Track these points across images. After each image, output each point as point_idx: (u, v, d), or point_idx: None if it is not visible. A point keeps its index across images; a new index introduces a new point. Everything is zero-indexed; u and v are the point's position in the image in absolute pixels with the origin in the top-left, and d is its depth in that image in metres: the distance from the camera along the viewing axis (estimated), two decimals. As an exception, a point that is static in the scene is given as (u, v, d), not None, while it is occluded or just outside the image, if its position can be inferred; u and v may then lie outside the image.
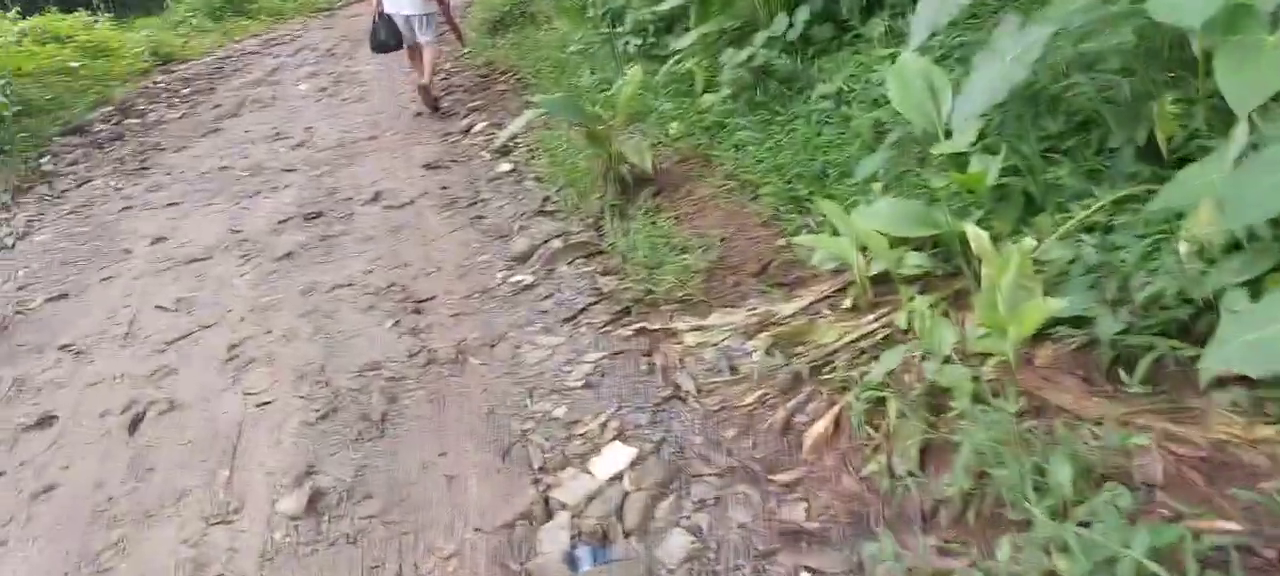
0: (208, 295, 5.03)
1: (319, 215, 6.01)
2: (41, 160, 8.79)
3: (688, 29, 5.75)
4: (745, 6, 4.96)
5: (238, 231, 6.01)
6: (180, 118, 9.78)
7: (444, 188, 6.09)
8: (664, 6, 5.48)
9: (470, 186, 6.02)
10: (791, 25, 4.65)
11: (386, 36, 7.96)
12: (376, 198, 6.14)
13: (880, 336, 2.90)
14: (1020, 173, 2.96)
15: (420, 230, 5.42)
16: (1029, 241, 2.51)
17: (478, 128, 7.25)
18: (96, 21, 14.52)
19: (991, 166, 2.91)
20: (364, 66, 10.84)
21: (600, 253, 4.45)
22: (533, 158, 6.22)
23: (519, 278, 4.40)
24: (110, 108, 10.57)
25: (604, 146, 4.81)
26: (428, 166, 6.62)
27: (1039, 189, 2.90)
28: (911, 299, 2.85)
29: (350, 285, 4.76)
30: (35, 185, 8.08)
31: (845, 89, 4.17)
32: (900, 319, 2.89)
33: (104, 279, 5.60)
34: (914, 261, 2.92)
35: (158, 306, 5.00)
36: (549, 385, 3.39)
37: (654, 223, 4.30)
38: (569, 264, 4.41)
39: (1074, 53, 3.07)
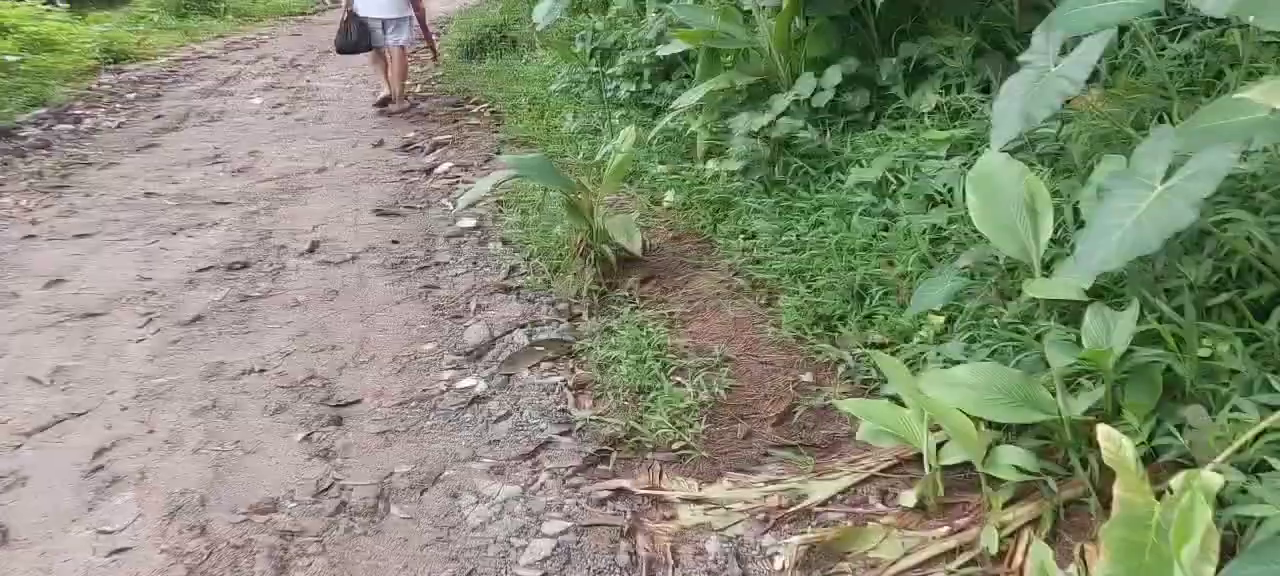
0: (92, 367, 4.11)
1: (244, 266, 5.11)
2: (-46, 166, 7.81)
3: (689, 79, 4.94)
4: (761, 62, 4.13)
5: (147, 279, 5.09)
6: (117, 127, 8.82)
7: (394, 242, 5.21)
8: (666, 51, 4.63)
9: (425, 243, 5.15)
10: (820, 88, 3.82)
11: (357, 37, 7.95)
12: (314, 248, 5.24)
13: (960, 560, 2.06)
14: (1158, 339, 2.13)
15: (359, 297, 4.53)
16: (1211, 476, 1.68)
17: (442, 168, 6.37)
18: (49, 11, 13.53)
19: (1119, 327, 2.08)
20: (326, 82, 9.94)
21: (573, 355, 3.58)
22: (501, 212, 5.35)
23: (469, 383, 3.52)
24: (44, 110, 9.58)
25: (585, 219, 3.96)
26: (379, 212, 5.74)
27: (1190, 368, 2.07)
28: (1003, 507, 2.01)
29: (262, 371, 3.86)
30: (-61, 195, 7.10)
31: (889, 178, 3.34)
32: (987, 538, 2.04)
33: (-24, 331, 4.66)
34: (1012, 460, 2.08)
35: (29, 377, 4.06)
36: (492, 568, 2.51)
37: (641, 327, 3.44)
38: (533, 368, 3.53)
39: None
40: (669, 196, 4.37)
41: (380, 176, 6.53)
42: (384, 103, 8.18)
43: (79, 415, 3.70)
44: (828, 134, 3.81)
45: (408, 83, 8.59)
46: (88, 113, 9.50)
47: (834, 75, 3.84)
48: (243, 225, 5.80)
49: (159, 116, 9.15)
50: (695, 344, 3.27)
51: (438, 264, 4.83)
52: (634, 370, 3.13)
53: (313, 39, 12.81)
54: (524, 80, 7.53)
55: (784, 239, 3.51)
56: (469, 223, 5.29)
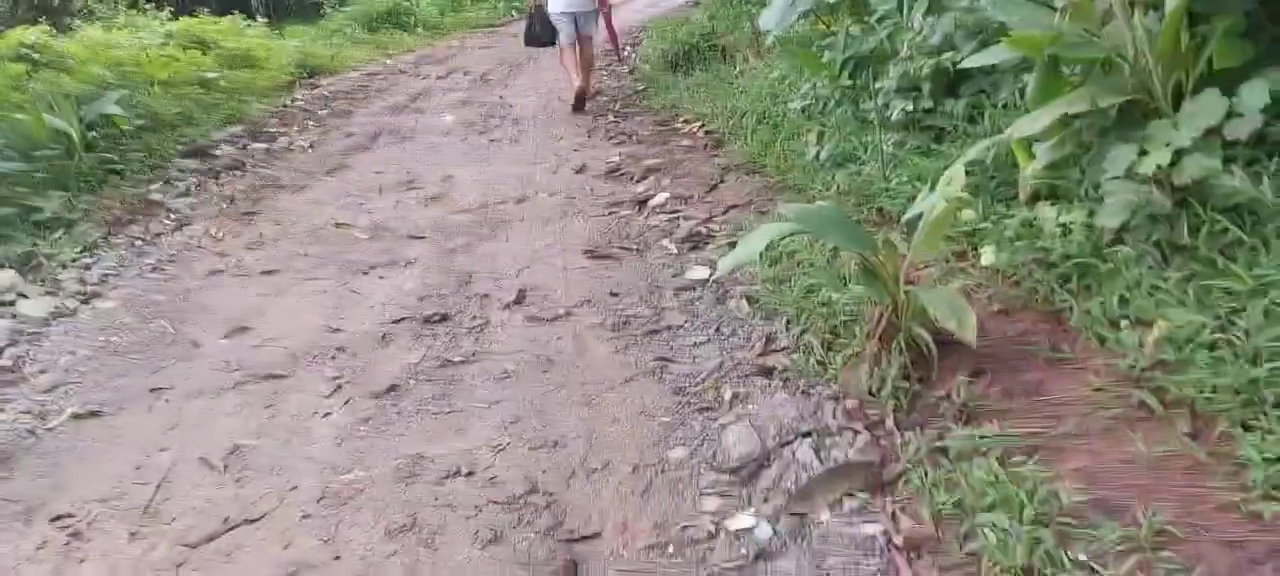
0: (273, 448, 3.43)
1: (443, 318, 4.37)
2: (152, 187, 7.56)
3: (985, 96, 3.88)
4: (1128, 76, 3.02)
5: (336, 330, 4.43)
6: (309, 147, 8.43)
7: (613, 294, 4.35)
8: (978, 60, 3.57)
9: (650, 297, 4.27)
10: (1234, 113, 2.67)
11: (541, 31, 8.34)
12: (521, 299, 4.45)
13: None
14: None
15: (579, 369, 3.69)
16: None
17: (657, 200, 5.50)
18: (248, 27, 13.65)
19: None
20: (520, 98, 9.31)
21: (886, 488, 2.58)
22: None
23: (746, 523, 2.57)
24: (240, 127, 9.36)
25: (888, 289, 2.95)
26: (591, 254, 4.91)
27: None
28: None
29: (470, 473, 3.06)
30: (136, 218, 6.79)
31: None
32: None
33: (154, 389, 4.08)
34: None
35: (201, 459, 3.41)
36: None
37: (998, 458, 2.40)
38: (833, 506, 2.55)
39: None
40: (987, 254, 3.31)
41: (586, 208, 5.72)
42: (580, 101, 8.31)
43: (253, 521, 2.99)
44: (1264, 181, 2.66)
45: (593, 76, 8.75)
46: (282, 131, 9.21)
47: (1256, 94, 2.69)
48: (439, 265, 5.10)
49: (350, 135, 8.72)
50: (1095, 496, 2.21)
51: (669, 327, 3.93)
52: (1007, 540, 2.10)
53: (503, 52, 12.31)
54: (743, 95, 6.58)
55: (1208, 336, 2.39)
56: (700, 273, 4.37)
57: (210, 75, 10.74)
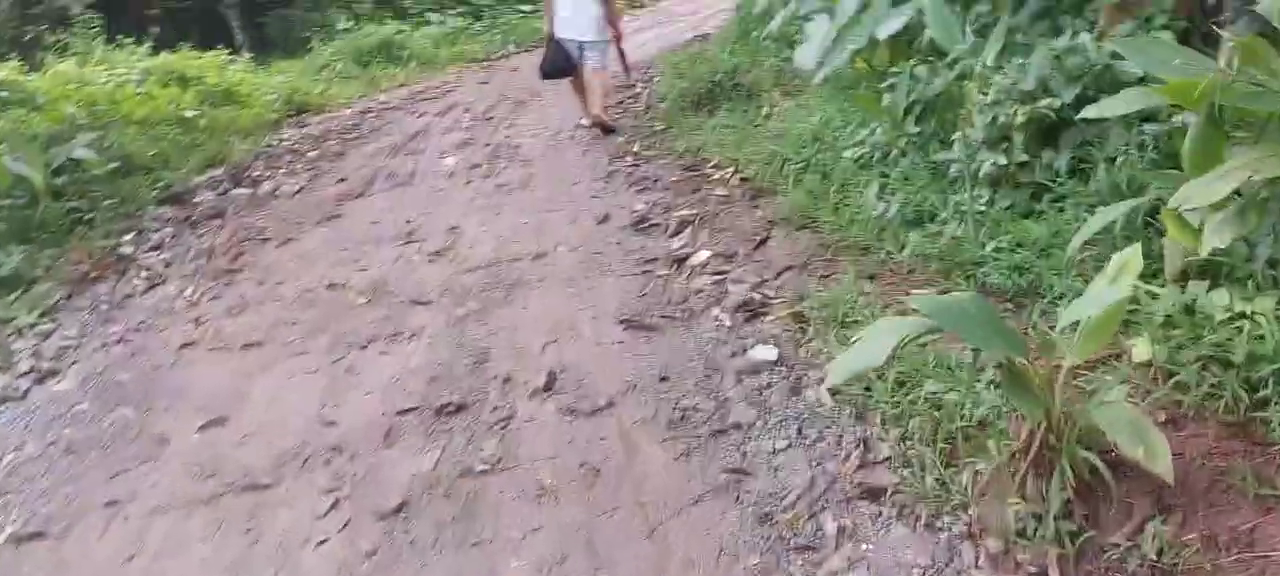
0: (251, 592, 2.74)
1: (459, 409, 3.71)
2: (123, 239, 6.89)
3: (1094, 149, 3.26)
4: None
5: (331, 423, 3.77)
6: (297, 193, 7.76)
7: (662, 378, 3.69)
8: (1095, 109, 2.94)
9: (707, 382, 3.61)
10: None
11: (559, 60, 7.99)
12: (551, 384, 3.78)
13: None
14: None
15: (633, 483, 3.02)
16: None
17: (698, 259, 4.84)
18: (232, 62, 13.01)
19: None
20: (527, 138, 8.67)
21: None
22: (805, 331, 3.77)
23: None
24: (222, 170, 8.70)
25: (1041, 402, 2.30)
26: (628, 324, 4.25)
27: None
28: None
29: (510, 643, 2.37)
30: (104, 275, 6.12)
31: None
32: None
33: (110, 503, 3.40)
34: None
35: (163, 603, 2.73)
36: None
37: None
38: None
39: None
40: (1141, 347, 2.66)
41: (615, 266, 5.06)
42: (602, 127, 8.10)
43: None
44: None
45: (608, 103, 8.48)
46: (266, 174, 8.54)
47: None
48: (450, 337, 4.43)
49: (342, 179, 8.06)
50: None
51: (737, 425, 3.27)
52: None
53: (503, 87, 11.68)
54: (781, 139, 5.95)
55: None
56: (765, 353, 3.71)
57: (190, 114, 10.11)
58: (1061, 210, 3.43)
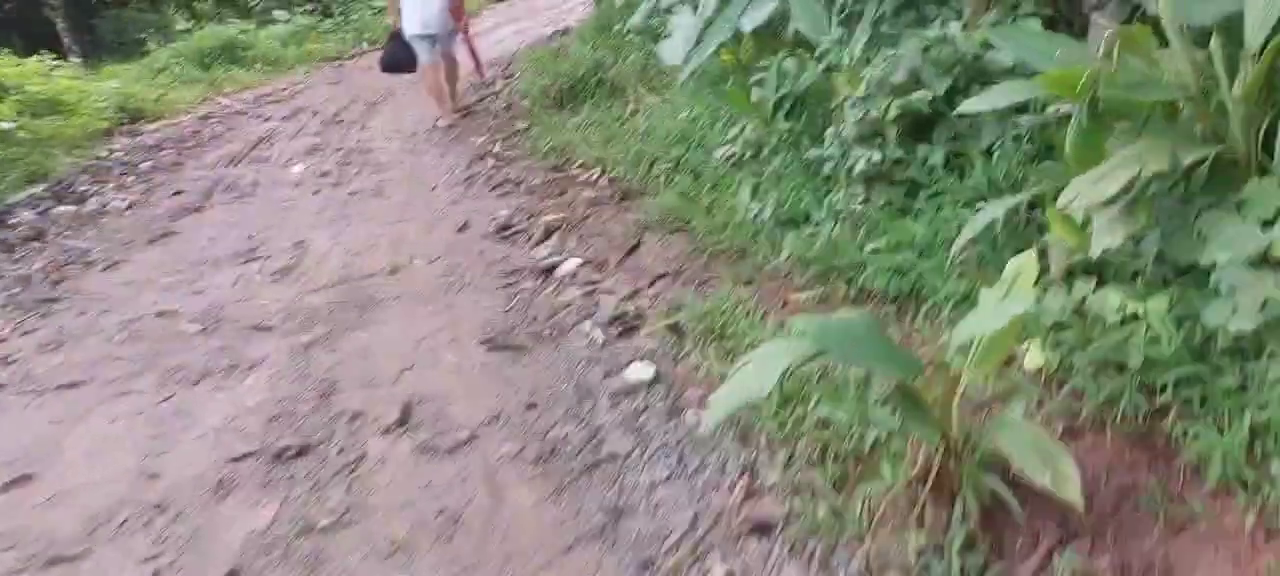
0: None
1: (302, 452, 3.33)
2: (-77, 269, 6.14)
3: (964, 143, 3.14)
4: (1200, 125, 2.31)
5: (155, 476, 3.33)
6: (127, 209, 7.11)
7: (529, 405, 3.39)
8: (972, 103, 2.80)
9: (580, 409, 3.32)
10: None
11: (403, 55, 7.97)
12: (406, 418, 3.44)
13: None
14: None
15: (499, 532, 2.72)
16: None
17: (566, 268, 4.56)
18: (58, 68, 11.96)
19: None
20: (380, 141, 8.20)
21: None
22: (684, 343, 3.53)
23: None
24: (43, 187, 7.92)
25: (938, 425, 2.12)
26: (492, 345, 3.93)
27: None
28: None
29: None
30: (-101, 313, 5.40)
31: None
32: None
33: (-121, 592, 2.89)
34: None
35: None
36: None
37: None
38: None
39: None
40: (1031, 354, 2.52)
41: (477, 280, 4.72)
42: (453, 110, 8.32)
43: None
44: None
45: (461, 88, 8.77)
46: (94, 189, 7.83)
47: None
48: (294, 368, 4.02)
49: (179, 193, 7.44)
50: None
51: (613, 457, 3.00)
52: None
53: (355, 87, 11.11)
54: (649, 138, 5.72)
55: None
56: (641, 372, 3.45)
57: (6, 126, 9.18)
58: (939, 208, 3.28)
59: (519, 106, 8.15)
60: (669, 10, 7.75)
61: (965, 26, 3.79)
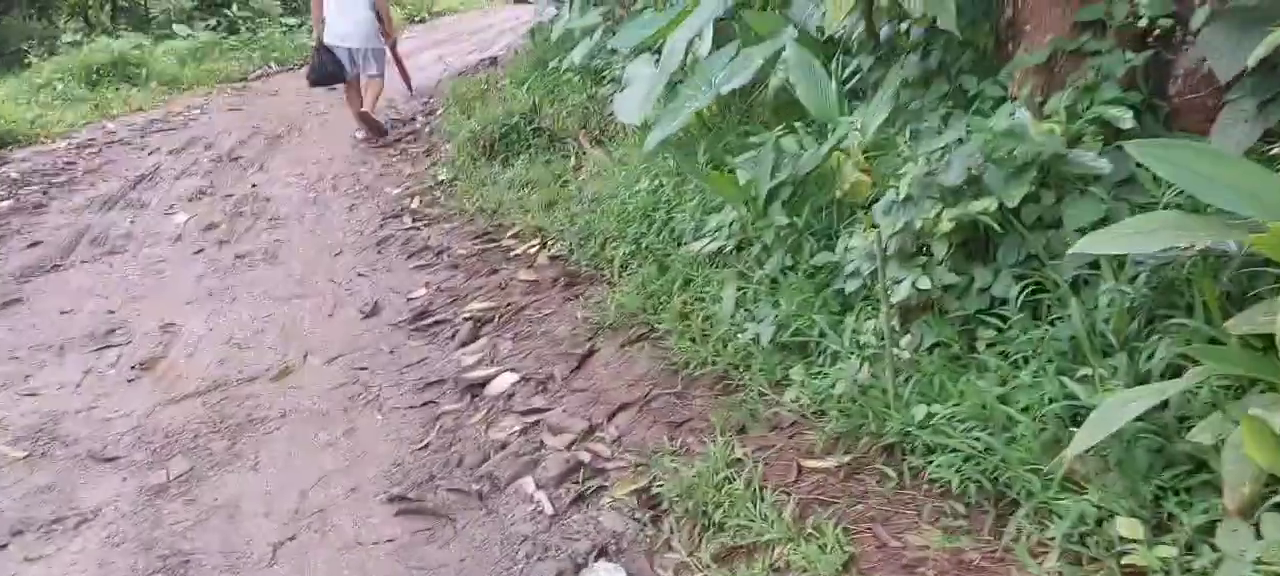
0: None
1: (126, 695, 2.32)
2: None
3: (1040, 268, 2.33)
4: None
5: None
6: (-36, 267, 5.92)
7: (455, 619, 2.45)
8: (1093, 243, 1.97)
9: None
10: None
11: (332, 67, 7.73)
12: (282, 635, 2.46)
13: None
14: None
15: None
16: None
17: (499, 385, 3.63)
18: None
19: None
20: (279, 186, 7.14)
21: None
22: (662, 529, 2.63)
23: None
24: None
25: None
26: (403, 504, 2.98)
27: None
28: None
29: None
30: None
31: None
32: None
33: None
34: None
35: None
36: None
37: None
38: None
39: None
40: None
41: (385, 393, 3.76)
42: (369, 123, 7.96)
43: None
44: None
45: (381, 106, 8.35)
46: (-69, 237, 6.58)
47: None
48: (134, 530, 3.02)
49: (35, 244, 6.27)
50: None
51: None
52: None
53: (259, 115, 9.99)
54: (599, 208, 4.82)
55: None
56: (608, 571, 2.53)
57: None
58: (1017, 362, 2.45)
59: (442, 152, 7.18)
60: (613, 52, 6.90)
61: (1011, 104, 3.00)
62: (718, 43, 4.76)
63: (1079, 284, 2.50)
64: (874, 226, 2.78)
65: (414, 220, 5.90)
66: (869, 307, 2.93)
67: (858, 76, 3.59)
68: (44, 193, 7.66)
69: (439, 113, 8.55)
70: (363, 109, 7.85)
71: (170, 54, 13.64)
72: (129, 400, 3.95)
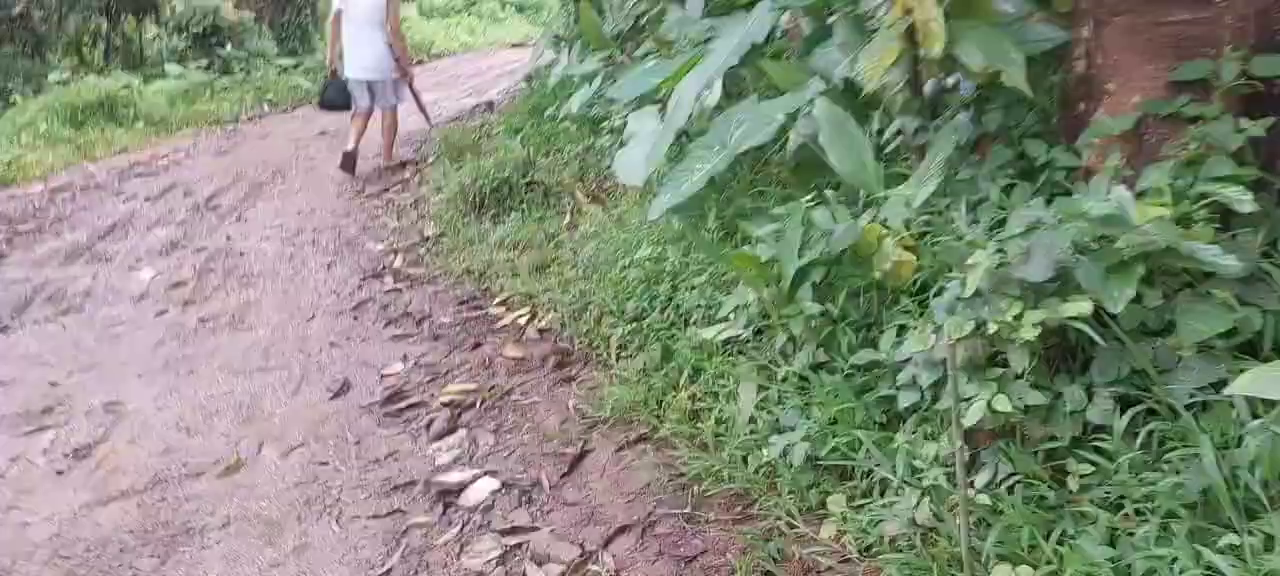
0: None
1: None
2: None
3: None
4: None
5: None
6: (-94, 326, 5.40)
7: None
8: (1249, 383, 1.44)
9: None
10: None
11: (334, 95, 8.02)
12: None
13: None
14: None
15: None
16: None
17: (476, 493, 3.10)
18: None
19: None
20: (257, 238, 6.64)
21: None
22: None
23: None
24: None
25: None
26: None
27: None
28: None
29: None
30: None
31: None
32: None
33: None
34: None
35: None
36: None
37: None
38: None
39: None
40: None
41: (346, 496, 3.23)
42: (349, 162, 7.88)
43: None
44: None
45: (394, 145, 8.32)
46: (-124, 292, 6.06)
47: None
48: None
49: (-14, 302, 5.76)
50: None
51: None
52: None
53: (244, 160, 9.52)
54: (592, 275, 4.31)
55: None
56: None
57: None
58: (1117, 506, 1.92)
59: (430, 205, 6.68)
60: (612, 100, 6.43)
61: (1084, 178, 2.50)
62: (727, 95, 4.29)
63: (1198, 410, 1.97)
64: (934, 327, 2.26)
65: (396, 281, 5.40)
66: (925, 423, 2.40)
67: (895, 139, 3.09)
68: (7, 242, 7.16)
69: (429, 160, 8.06)
70: (352, 150, 7.86)
71: (160, 94, 13.23)
72: (54, 498, 3.42)
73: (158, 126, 12.37)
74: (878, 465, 2.38)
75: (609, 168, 5.88)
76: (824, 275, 2.82)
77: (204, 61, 14.70)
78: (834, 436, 2.53)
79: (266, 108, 13.38)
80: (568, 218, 5.44)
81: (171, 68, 14.52)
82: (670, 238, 4.06)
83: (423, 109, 8.62)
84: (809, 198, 2.98)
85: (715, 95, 4.31)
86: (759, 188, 4.07)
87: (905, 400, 2.36)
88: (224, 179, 8.81)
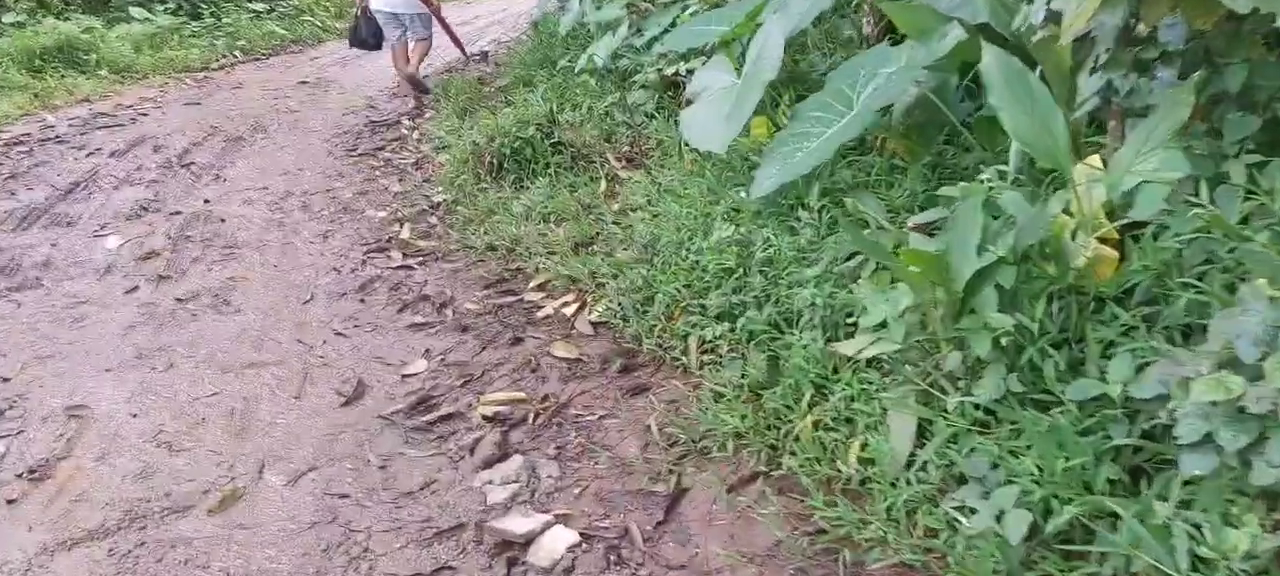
0: None
1: None
2: None
3: None
4: None
5: None
6: None
7: None
8: None
9: None
10: None
11: (368, 34, 7.81)
12: None
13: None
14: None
15: None
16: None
17: (550, 552, 2.42)
18: None
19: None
20: (240, 202, 5.88)
21: None
22: None
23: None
24: None
25: None
26: None
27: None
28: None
29: None
30: None
31: None
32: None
33: None
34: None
35: None
36: None
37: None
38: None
39: None
40: None
41: (376, 543, 2.57)
42: (415, 83, 7.92)
43: None
44: None
45: (424, 69, 8.30)
46: None
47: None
48: None
49: (-72, 274, 4.98)
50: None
51: None
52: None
53: (219, 112, 8.70)
54: (652, 257, 3.63)
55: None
56: None
57: None
58: None
59: (435, 165, 5.95)
60: (640, 50, 5.73)
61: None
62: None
63: None
64: (1230, 362, 1.61)
65: (405, 256, 4.69)
66: (1189, 487, 1.76)
67: (1090, 100, 2.43)
68: (-46, 203, 6.35)
69: (428, 116, 7.30)
70: (409, 70, 7.81)
71: (124, 39, 12.28)
72: (3, 537, 2.72)
73: (122, 74, 11.47)
74: (1139, 547, 1.73)
75: (643, 125, 5.20)
76: (1016, 278, 2.16)
77: (171, 4, 13.73)
78: (1059, 499, 1.88)
79: (238, 55, 12.50)
80: (603, 184, 4.75)
81: (136, 11, 13.54)
82: (750, 214, 3.38)
83: (457, 40, 8.47)
84: (989, 174, 2.31)
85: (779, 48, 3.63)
86: (850, 157, 3.39)
87: (1193, 466, 1.72)
88: (197, 133, 8.00)
